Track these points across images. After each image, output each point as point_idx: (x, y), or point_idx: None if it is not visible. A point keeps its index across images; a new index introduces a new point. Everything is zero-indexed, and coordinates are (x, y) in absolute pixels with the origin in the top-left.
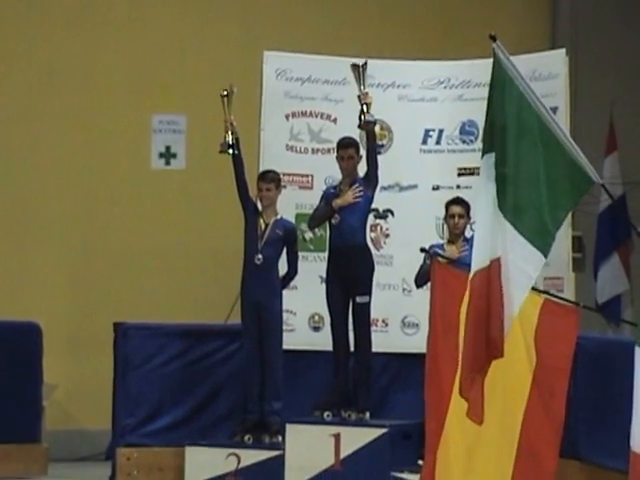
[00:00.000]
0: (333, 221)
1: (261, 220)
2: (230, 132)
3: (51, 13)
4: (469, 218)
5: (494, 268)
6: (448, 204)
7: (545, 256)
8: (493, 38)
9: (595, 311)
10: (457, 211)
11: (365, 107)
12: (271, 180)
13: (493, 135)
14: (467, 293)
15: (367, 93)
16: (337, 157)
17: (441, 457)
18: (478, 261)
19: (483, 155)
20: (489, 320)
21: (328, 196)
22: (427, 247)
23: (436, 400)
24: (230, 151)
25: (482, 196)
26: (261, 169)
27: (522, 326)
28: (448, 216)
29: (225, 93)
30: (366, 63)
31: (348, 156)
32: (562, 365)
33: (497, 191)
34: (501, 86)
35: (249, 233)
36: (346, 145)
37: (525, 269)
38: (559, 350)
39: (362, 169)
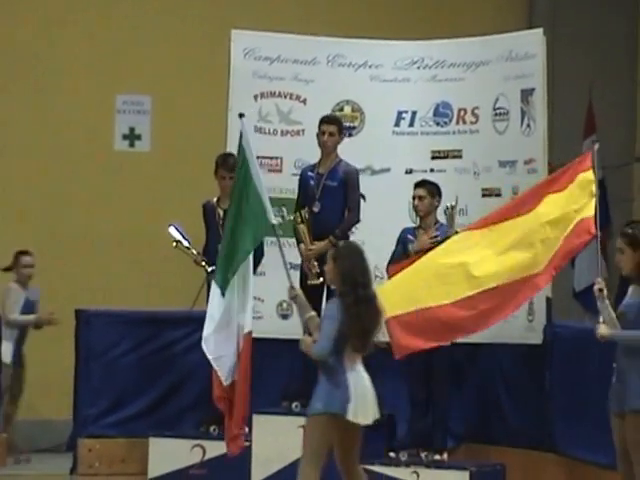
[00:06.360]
0: (315, 208)
1: (219, 208)
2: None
3: None
4: (439, 199)
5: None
6: (414, 187)
7: (222, 294)
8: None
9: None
10: (418, 193)
11: (307, 265)
12: (233, 169)
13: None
14: None
15: (311, 249)
16: (317, 134)
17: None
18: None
19: None
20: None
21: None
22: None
23: None
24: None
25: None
26: (228, 151)
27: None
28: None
29: (175, 245)
30: (312, 212)
31: (329, 132)
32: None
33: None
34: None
35: (209, 223)
36: (329, 121)
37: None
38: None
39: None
